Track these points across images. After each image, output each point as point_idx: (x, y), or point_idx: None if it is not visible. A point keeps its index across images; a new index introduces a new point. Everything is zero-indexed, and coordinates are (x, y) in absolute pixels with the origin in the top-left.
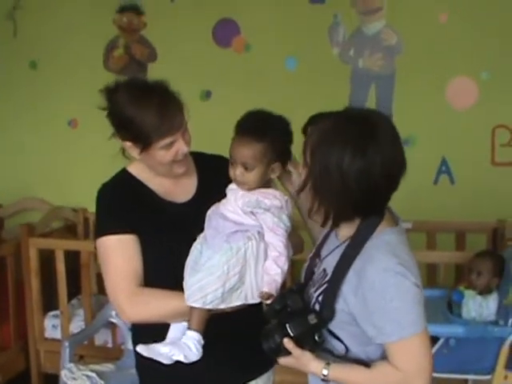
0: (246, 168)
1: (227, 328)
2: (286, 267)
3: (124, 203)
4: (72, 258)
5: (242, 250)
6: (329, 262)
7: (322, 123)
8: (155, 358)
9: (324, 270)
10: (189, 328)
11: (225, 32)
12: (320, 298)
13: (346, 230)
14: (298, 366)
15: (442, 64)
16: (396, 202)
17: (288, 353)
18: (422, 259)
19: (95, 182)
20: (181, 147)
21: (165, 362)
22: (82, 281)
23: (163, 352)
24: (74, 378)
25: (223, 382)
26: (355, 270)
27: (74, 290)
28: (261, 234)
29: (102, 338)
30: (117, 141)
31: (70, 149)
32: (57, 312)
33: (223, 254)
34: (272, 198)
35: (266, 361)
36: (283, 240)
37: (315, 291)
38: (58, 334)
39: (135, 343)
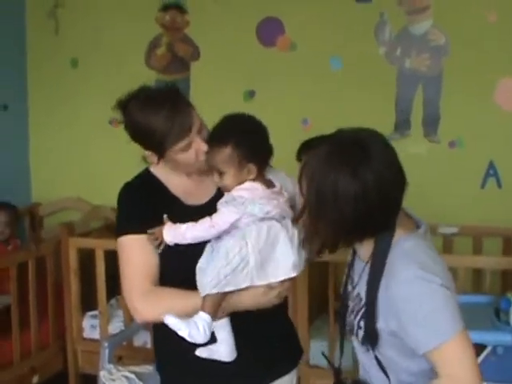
0: (219, 173)
1: (251, 328)
2: (204, 234)
3: (144, 204)
4: (111, 257)
5: (240, 232)
6: (361, 286)
7: (315, 149)
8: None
9: (358, 295)
10: (201, 309)
11: (269, 31)
12: (361, 324)
13: (365, 249)
14: None
15: (491, 65)
16: (441, 205)
17: None
18: (468, 265)
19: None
20: (199, 146)
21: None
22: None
23: (170, 322)
24: (113, 380)
25: (249, 382)
26: (383, 287)
27: (114, 291)
28: (258, 217)
29: (141, 339)
30: None
31: (110, 147)
32: (95, 312)
33: (225, 242)
34: (239, 189)
35: (290, 360)
36: (226, 220)
37: (355, 317)
38: (96, 335)
39: (157, 344)
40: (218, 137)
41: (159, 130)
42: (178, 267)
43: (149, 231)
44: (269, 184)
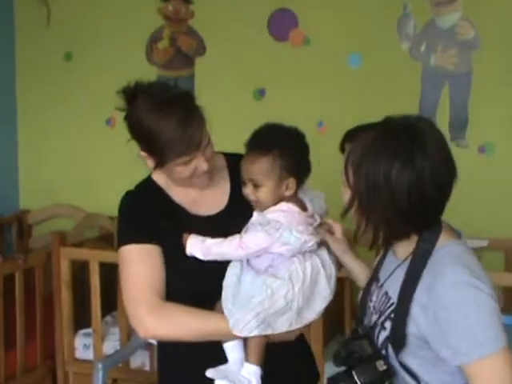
0: (255, 185)
1: (266, 350)
2: (231, 252)
3: (147, 214)
4: (107, 270)
5: (286, 273)
6: (391, 285)
7: (362, 138)
8: None
9: (386, 294)
10: (247, 360)
11: (281, 24)
12: (387, 325)
13: (404, 248)
14: None
15: None
16: (469, 216)
17: None
18: (499, 282)
19: (133, 185)
20: (200, 164)
21: None
22: (118, 296)
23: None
24: None
25: None
26: (423, 287)
27: (109, 306)
28: (306, 254)
29: (139, 360)
30: None
31: (107, 150)
32: (89, 330)
33: (269, 281)
34: (275, 211)
35: (309, 379)
36: (257, 243)
37: (379, 318)
38: (89, 355)
39: (162, 365)
40: (260, 144)
41: (165, 136)
42: (186, 282)
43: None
44: (302, 206)
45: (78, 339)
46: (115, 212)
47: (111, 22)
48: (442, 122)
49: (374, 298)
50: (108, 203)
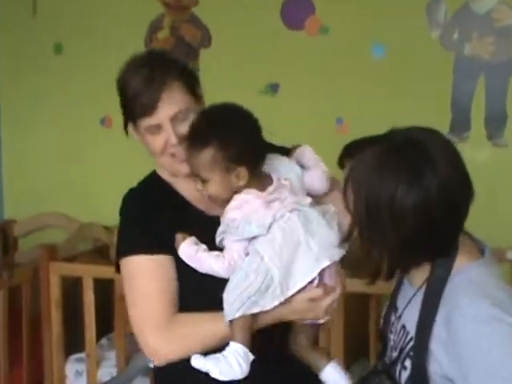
0: (202, 181)
1: (274, 368)
2: (225, 274)
3: (157, 217)
4: (102, 287)
5: (252, 247)
6: (408, 316)
7: (364, 154)
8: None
9: (404, 327)
10: (231, 340)
11: (296, 11)
12: (407, 364)
13: (419, 274)
14: None
15: None
16: (509, 225)
17: None
18: None
19: None
20: (168, 136)
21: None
22: (115, 316)
23: (197, 364)
24: None
25: None
26: (441, 321)
27: (104, 328)
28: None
29: None
30: None
31: (102, 153)
32: (82, 355)
33: (243, 264)
34: (229, 211)
35: None
36: (237, 252)
37: (399, 355)
38: (82, 383)
39: None
40: (196, 135)
41: (131, 88)
42: (198, 287)
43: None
44: (265, 182)
45: (70, 365)
46: (111, 222)
47: (106, 10)
48: (477, 119)
49: (394, 331)
50: (103, 212)
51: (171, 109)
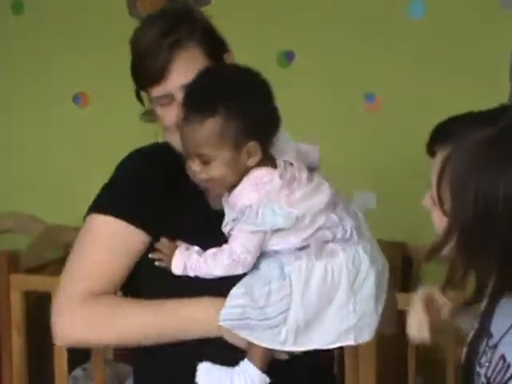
0: (204, 162)
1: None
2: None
3: (156, 184)
4: None
5: (284, 269)
6: (509, 345)
7: (468, 139)
8: None
9: (503, 359)
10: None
11: None
12: None
13: None
14: None
15: None
16: None
17: None
18: None
19: None
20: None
21: None
22: None
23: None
24: None
25: None
26: None
27: (79, 356)
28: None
29: None
30: (149, 125)
31: (75, 139)
32: None
33: (271, 274)
34: (239, 194)
35: None
36: (250, 244)
37: None
38: None
39: None
40: (197, 103)
41: (137, 50)
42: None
43: (151, 255)
44: (273, 162)
45: None
46: None
47: None
48: None
49: (486, 363)
50: (76, 212)
51: (186, 76)
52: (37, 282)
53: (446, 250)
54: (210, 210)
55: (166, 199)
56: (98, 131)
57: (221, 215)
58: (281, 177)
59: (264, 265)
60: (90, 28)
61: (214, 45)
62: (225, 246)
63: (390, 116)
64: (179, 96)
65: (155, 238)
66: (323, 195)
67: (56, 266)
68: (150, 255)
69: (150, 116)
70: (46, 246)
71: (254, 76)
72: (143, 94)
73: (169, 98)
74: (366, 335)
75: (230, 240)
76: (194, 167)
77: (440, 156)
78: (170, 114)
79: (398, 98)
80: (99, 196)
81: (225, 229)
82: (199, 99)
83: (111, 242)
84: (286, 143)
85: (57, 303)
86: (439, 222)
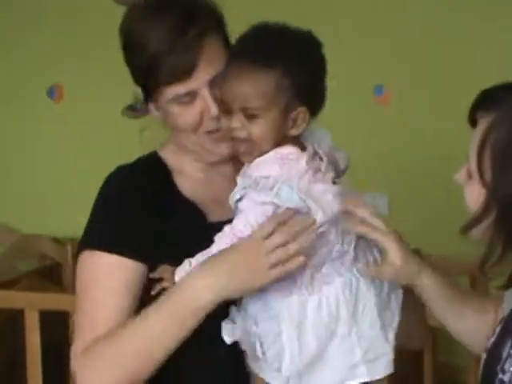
0: (249, 116)
1: None
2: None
3: (141, 207)
4: (53, 323)
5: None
6: None
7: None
8: None
9: None
10: None
11: None
12: None
13: None
14: None
15: None
16: None
17: None
18: None
19: (92, 192)
20: (206, 105)
21: None
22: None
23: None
24: None
25: None
26: None
27: (55, 380)
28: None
29: None
30: (132, 122)
31: (50, 137)
32: None
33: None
34: (266, 162)
35: None
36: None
37: None
38: None
39: None
40: (256, 53)
41: (152, 46)
42: None
43: (152, 274)
44: (302, 146)
45: None
46: (62, 233)
47: None
48: None
49: (509, 369)
50: (52, 220)
51: (214, 70)
52: (8, 298)
53: (479, 232)
54: (201, 221)
55: (155, 224)
56: (74, 128)
57: (214, 227)
58: (307, 163)
59: (250, 305)
60: (66, 12)
61: (226, 31)
62: (237, 220)
63: (399, 111)
64: (205, 92)
65: (151, 265)
66: (337, 206)
67: (30, 279)
68: (152, 292)
69: (133, 112)
70: (18, 257)
71: (313, 40)
72: (129, 87)
73: (191, 96)
74: (382, 368)
75: (239, 218)
76: (236, 123)
77: (483, 124)
78: (190, 113)
79: (408, 91)
80: (89, 228)
81: (232, 199)
82: (258, 50)
83: (116, 278)
84: (322, 138)
85: (74, 351)
86: (476, 196)
